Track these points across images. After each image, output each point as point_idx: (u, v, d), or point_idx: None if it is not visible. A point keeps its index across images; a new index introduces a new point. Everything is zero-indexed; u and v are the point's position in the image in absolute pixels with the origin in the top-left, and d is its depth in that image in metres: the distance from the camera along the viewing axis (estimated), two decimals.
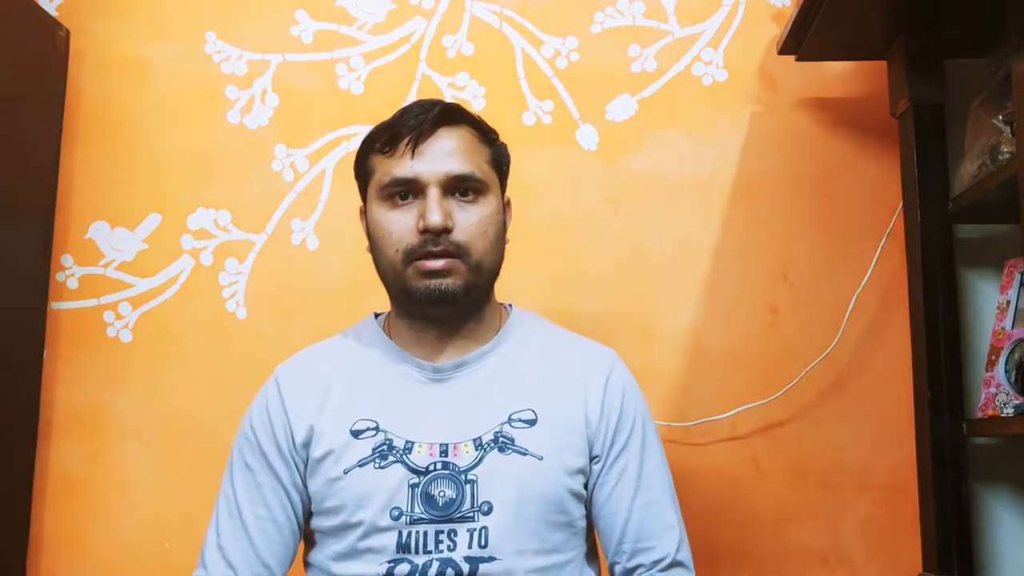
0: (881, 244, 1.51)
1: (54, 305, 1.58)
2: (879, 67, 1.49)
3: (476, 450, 1.06)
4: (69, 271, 1.59)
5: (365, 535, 1.04)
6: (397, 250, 1.08)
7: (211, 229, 1.60)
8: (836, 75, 1.60)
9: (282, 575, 1.12)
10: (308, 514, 1.12)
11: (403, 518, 1.03)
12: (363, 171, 1.15)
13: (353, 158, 1.16)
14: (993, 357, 1.35)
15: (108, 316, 1.58)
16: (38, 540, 1.52)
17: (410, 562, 1.02)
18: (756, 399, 1.51)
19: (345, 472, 1.06)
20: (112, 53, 1.64)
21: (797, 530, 1.50)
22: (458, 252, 1.07)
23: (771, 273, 1.56)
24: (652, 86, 1.61)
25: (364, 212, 1.15)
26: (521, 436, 1.07)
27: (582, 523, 1.11)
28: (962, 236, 1.45)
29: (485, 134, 1.15)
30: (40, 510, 1.52)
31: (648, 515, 1.11)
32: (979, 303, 1.46)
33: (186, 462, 1.54)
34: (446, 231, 1.06)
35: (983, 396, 1.34)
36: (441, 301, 1.07)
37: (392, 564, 1.03)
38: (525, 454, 1.06)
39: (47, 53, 1.56)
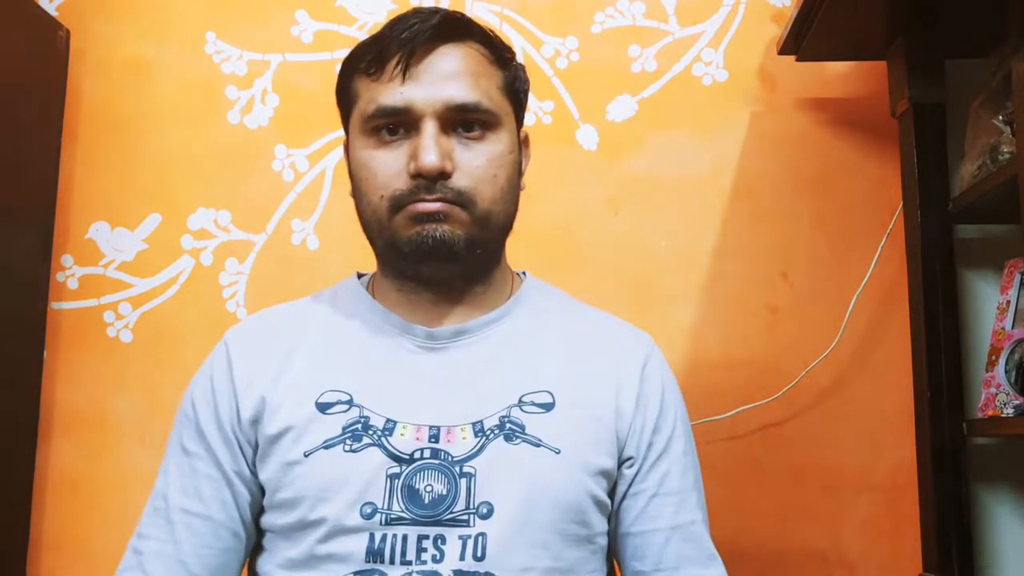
0: (881, 244, 1.51)
1: (54, 305, 1.58)
2: (879, 67, 1.49)
3: (476, 436, 0.85)
4: (69, 271, 1.59)
5: (327, 537, 0.82)
6: (382, 196, 0.87)
7: (211, 229, 1.60)
8: (836, 75, 1.60)
9: None
10: (259, 512, 0.89)
11: (377, 516, 0.82)
12: (345, 97, 0.94)
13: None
14: (993, 357, 1.34)
15: (108, 316, 1.58)
16: (38, 540, 1.52)
17: (383, 574, 0.81)
18: (756, 399, 1.51)
19: (306, 455, 0.84)
20: (112, 53, 1.64)
21: (797, 530, 1.50)
22: (459, 200, 0.86)
23: (771, 273, 1.56)
24: (652, 86, 1.61)
25: (347, 148, 0.94)
26: (534, 423, 0.86)
27: (603, 541, 0.90)
28: (962, 236, 1.45)
29: (498, 52, 0.93)
30: (40, 510, 1.52)
31: (691, 538, 0.90)
32: (979, 303, 1.46)
33: None
34: (444, 175, 0.85)
35: (983, 396, 1.34)
36: (436, 255, 0.86)
37: None
38: (538, 445, 0.85)
39: (47, 53, 1.56)
